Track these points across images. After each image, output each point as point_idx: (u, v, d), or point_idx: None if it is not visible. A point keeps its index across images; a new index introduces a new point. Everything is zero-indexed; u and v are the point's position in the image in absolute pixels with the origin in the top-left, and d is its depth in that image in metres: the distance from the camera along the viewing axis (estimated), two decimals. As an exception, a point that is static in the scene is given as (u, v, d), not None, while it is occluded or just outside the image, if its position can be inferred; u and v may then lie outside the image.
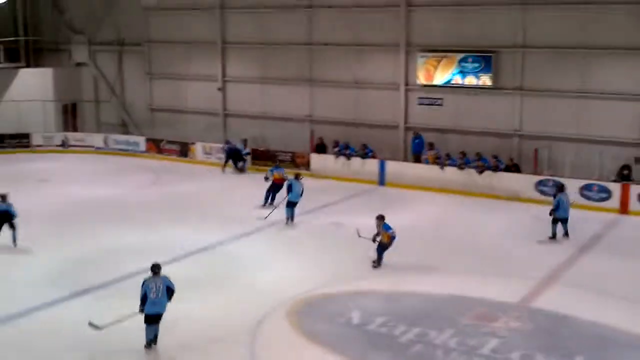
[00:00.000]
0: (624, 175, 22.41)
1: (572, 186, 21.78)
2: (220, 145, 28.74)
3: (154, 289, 11.90)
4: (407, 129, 27.17)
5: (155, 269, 12.20)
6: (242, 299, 14.40)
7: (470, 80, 25.63)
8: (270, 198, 21.87)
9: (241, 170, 27.78)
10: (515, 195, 22.84)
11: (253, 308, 13.73)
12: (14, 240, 17.53)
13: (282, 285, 15.02)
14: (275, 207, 20.77)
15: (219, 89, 31.31)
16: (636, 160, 22.86)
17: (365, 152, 26.00)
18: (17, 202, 19.92)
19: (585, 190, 21.94)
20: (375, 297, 14.57)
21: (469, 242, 18.63)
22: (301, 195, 20.29)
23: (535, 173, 23.58)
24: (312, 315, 13.54)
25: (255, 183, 23.95)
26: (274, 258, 17.12)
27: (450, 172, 24.24)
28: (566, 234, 18.73)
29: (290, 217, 20.07)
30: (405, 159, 26.60)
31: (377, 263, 16.24)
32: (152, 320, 11.94)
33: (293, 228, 19.72)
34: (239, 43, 30.79)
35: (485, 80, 25.30)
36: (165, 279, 12.18)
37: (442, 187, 24.14)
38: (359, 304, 14.12)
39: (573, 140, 23.98)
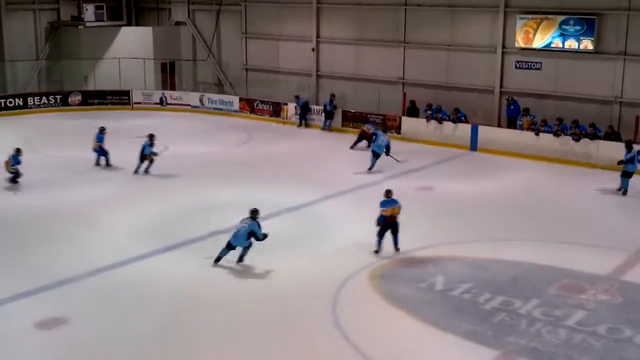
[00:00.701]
0: None
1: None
2: (294, 104, 29.25)
3: (240, 227, 13.91)
4: (502, 93, 26.56)
5: (251, 213, 14.13)
6: (326, 259, 14.61)
7: (571, 43, 24.74)
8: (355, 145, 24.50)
9: (328, 128, 27.92)
10: (613, 164, 22.01)
11: (336, 269, 13.91)
12: (147, 169, 21.04)
13: (366, 248, 15.08)
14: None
15: (313, 50, 31.38)
16: None
17: (458, 117, 25.59)
18: (117, 157, 20.94)
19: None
20: (461, 263, 14.47)
21: (562, 211, 18.21)
22: (386, 148, 21.82)
23: (635, 142, 22.65)
24: (395, 279, 13.60)
25: (344, 144, 24.09)
26: (361, 219, 17.10)
27: (546, 139, 23.56)
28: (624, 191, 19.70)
29: (371, 166, 21.71)
30: (499, 124, 26.04)
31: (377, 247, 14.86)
32: (229, 246, 13.99)
33: (381, 191, 19.68)
34: (334, 3, 30.68)
35: (587, 44, 24.37)
36: (253, 224, 13.95)
37: (536, 154, 23.51)
38: (443, 269, 14.09)
39: (679, 108, 22.91)
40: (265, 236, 14.04)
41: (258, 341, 11.29)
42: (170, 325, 11.82)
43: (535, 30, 25.43)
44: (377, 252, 14.73)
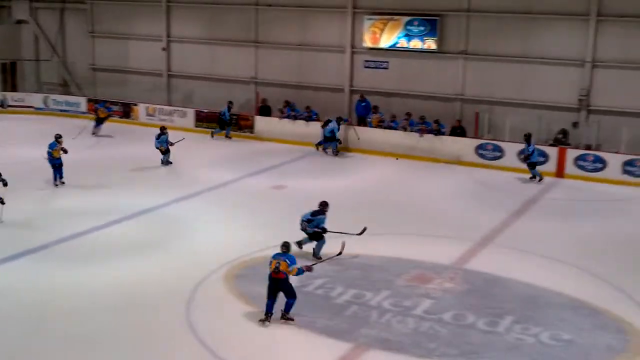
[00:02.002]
0: (559, 139, 22.90)
1: (511, 150, 22.25)
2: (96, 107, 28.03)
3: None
4: (352, 92, 27.24)
5: (321, 205, 14.87)
6: (180, 262, 14.38)
7: (416, 43, 25.74)
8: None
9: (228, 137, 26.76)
10: (457, 158, 23.12)
11: (191, 271, 13.72)
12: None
13: (221, 248, 15.03)
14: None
15: (163, 49, 30.82)
16: (574, 124, 23.37)
17: (310, 115, 25.94)
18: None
19: (521, 154, 22.30)
20: (314, 259, 14.65)
21: (410, 205, 18.86)
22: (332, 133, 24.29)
23: (475, 137, 23.89)
24: (249, 278, 13.57)
25: (198, 145, 23.76)
26: (215, 220, 17.09)
27: (394, 135, 24.35)
28: (533, 177, 21.50)
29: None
30: (350, 122, 26.65)
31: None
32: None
33: (235, 191, 19.68)
34: (184, 2, 30.29)
35: (430, 43, 25.44)
36: (305, 215, 14.76)
37: (386, 150, 24.22)
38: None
39: (514, 104, 24.36)
40: (320, 229, 14.58)
41: (110, 350, 10.92)
42: (16, 340, 11.18)
43: (382, 31, 26.24)
44: (262, 321, 11.79)
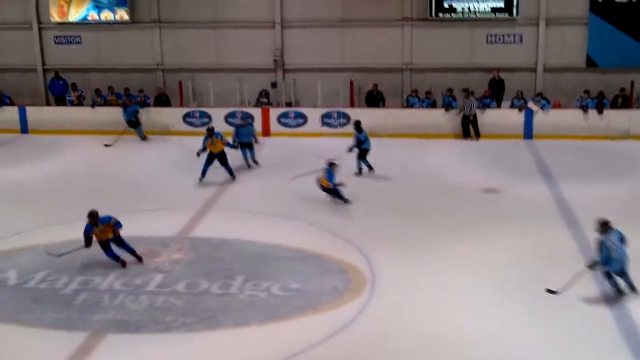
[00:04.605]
0: (262, 101, 23.86)
1: (218, 115, 22.70)
2: None
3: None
4: (46, 70, 25.83)
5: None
6: None
7: (107, 15, 25.08)
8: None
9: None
10: (167, 129, 22.96)
11: None
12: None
13: None
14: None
15: None
16: (272, 85, 24.47)
17: (2, 99, 24.07)
18: None
19: (230, 117, 22.86)
20: (32, 252, 13.72)
21: (127, 181, 18.44)
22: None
23: (181, 106, 23.96)
24: None
25: None
26: None
27: (100, 112, 23.50)
28: (370, 167, 18.59)
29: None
30: (49, 103, 25.26)
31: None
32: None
33: None
34: None
35: (122, 14, 24.97)
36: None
37: (91, 129, 23.24)
38: (14, 262, 13.28)
39: (213, 70, 24.84)
40: None
41: None
42: None
43: (69, 4, 25.13)
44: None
